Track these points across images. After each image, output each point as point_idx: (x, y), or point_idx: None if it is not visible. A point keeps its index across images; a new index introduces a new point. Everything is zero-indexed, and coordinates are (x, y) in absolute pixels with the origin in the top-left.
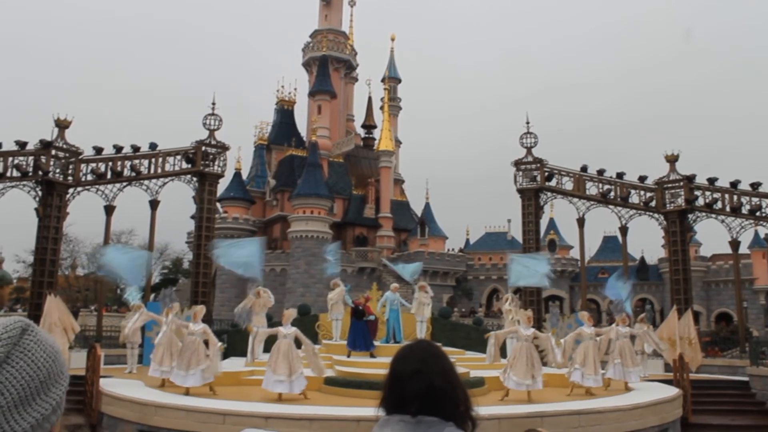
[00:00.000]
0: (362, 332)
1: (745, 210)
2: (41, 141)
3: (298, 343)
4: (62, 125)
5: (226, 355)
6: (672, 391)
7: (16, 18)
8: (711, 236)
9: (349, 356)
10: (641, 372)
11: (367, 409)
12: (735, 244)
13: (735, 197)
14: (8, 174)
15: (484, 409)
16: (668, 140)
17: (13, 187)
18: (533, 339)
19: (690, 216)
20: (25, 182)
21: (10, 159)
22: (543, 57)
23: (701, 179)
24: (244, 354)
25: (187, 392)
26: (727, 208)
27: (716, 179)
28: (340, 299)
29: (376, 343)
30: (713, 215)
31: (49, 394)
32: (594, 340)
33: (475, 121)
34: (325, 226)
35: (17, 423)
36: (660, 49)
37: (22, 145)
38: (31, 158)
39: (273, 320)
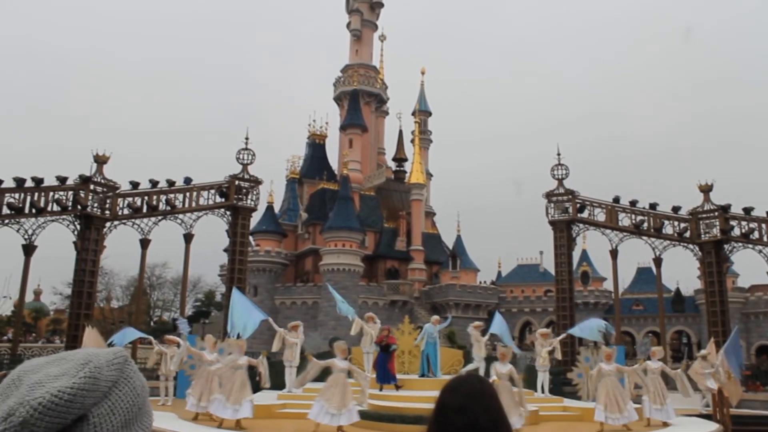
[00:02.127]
0: (383, 364)
1: None
2: (81, 176)
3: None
4: (101, 161)
5: (257, 388)
6: (712, 426)
7: (59, 66)
8: (749, 267)
9: (381, 390)
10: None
11: None
12: None
13: None
14: (49, 208)
15: None
16: (703, 168)
17: (53, 221)
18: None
19: (726, 246)
20: (64, 216)
21: (51, 194)
22: (577, 83)
23: (737, 209)
24: (276, 387)
25: (220, 425)
26: (765, 238)
27: (752, 209)
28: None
29: (408, 376)
30: (750, 245)
31: (143, 423)
32: (611, 377)
33: (508, 145)
34: (356, 259)
35: None
36: (696, 74)
37: (62, 180)
38: (70, 193)
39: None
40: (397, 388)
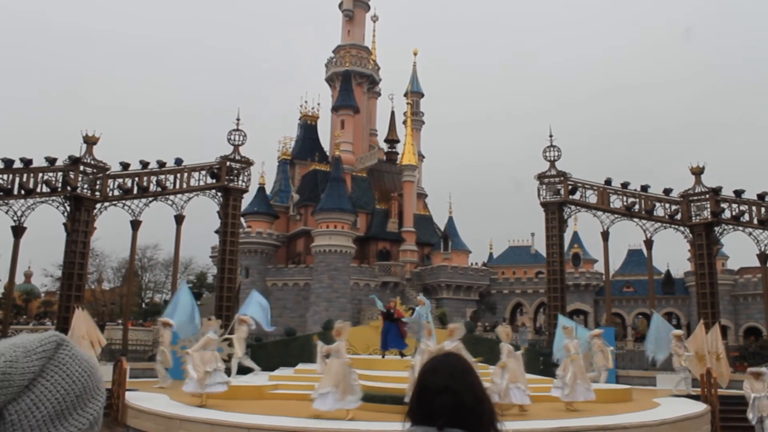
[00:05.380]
0: (394, 332)
1: None
2: (70, 157)
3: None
4: (90, 141)
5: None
6: (700, 407)
7: (47, 40)
8: (738, 249)
9: (383, 357)
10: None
11: (392, 424)
12: (763, 256)
13: (763, 209)
14: (38, 189)
15: (508, 423)
16: (695, 150)
17: (42, 202)
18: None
19: (716, 229)
20: (54, 198)
21: (40, 175)
22: (571, 66)
23: (727, 191)
24: (265, 369)
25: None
26: (755, 221)
27: (743, 191)
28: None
29: (408, 357)
30: (740, 228)
31: (86, 409)
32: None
33: (501, 127)
34: (348, 240)
35: None
36: (691, 59)
37: (51, 161)
38: (60, 174)
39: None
40: (402, 355)
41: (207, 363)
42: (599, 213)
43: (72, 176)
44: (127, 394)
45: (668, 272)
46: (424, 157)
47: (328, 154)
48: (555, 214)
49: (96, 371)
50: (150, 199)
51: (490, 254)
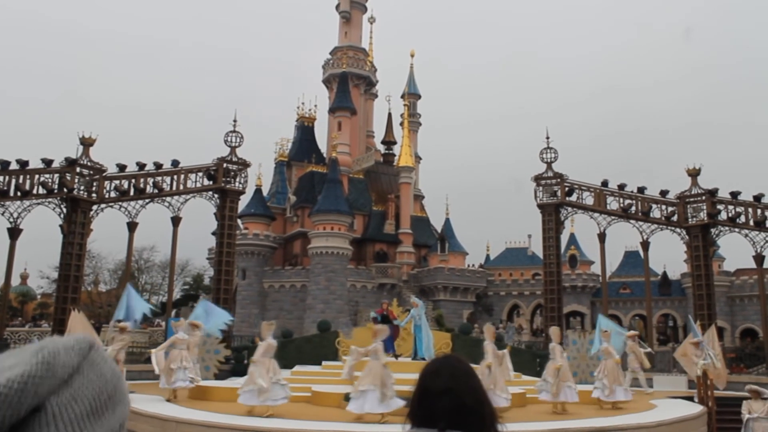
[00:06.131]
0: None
1: None
2: (66, 159)
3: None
4: (87, 143)
5: (243, 372)
6: (696, 408)
7: (45, 40)
8: (735, 251)
9: None
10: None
11: (390, 426)
12: (759, 258)
13: (759, 211)
14: (34, 191)
15: (509, 425)
16: (695, 149)
17: (38, 204)
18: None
19: (713, 230)
20: (50, 199)
21: (36, 176)
22: (569, 67)
23: (724, 193)
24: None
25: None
26: (751, 222)
27: (739, 193)
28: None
29: (405, 359)
30: (736, 229)
31: (116, 412)
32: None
33: (498, 129)
34: (345, 242)
35: None
36: (691, 59)
37: (48, 162)
38: (56, 176)
39: (293, 336)
40: (396, 357)
41: (173, 361)
42: (596, 214)
43: (68, 178)
44: None
45: (665, 274)
46: (421, 158)
47: (325, 155)
48: (552, 215)
49: (123, 378)
50: (147, 200)
51: (487, 256)
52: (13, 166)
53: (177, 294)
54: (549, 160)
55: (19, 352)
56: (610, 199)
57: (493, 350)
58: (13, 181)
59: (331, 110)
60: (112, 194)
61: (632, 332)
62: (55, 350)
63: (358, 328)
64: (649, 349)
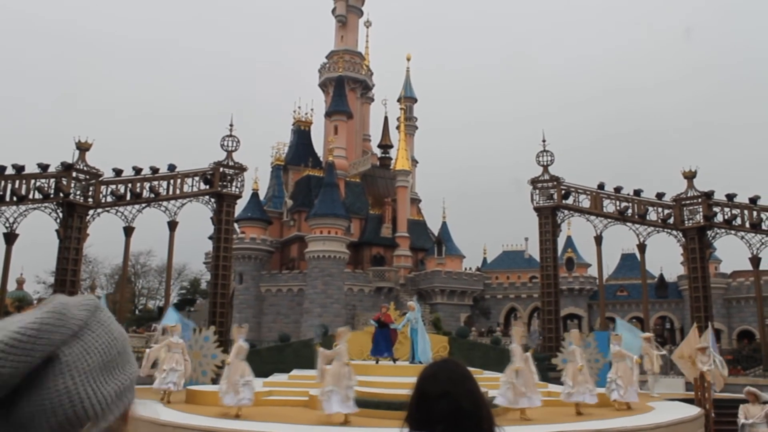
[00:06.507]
0: (385, 338)
1: (765, 226)
2: (63, 163)
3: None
4: (83, 147)
5: None
6: (693, 410)
7: (42, 43)
8: (731, 253)
9: (378, 362)
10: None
11: (387, 429)
12: (756, 260)
13: (755, 213)
14: (30, 196)
15: (508, 428)
16: (695, 149)
17: (34, 209)
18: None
19: (709, 233)
20: (46, 204)
21: (33, 181)
22: (564, 70)
23: (720, 195)
24: (259, 375)
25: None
26: (747, 224)
27: (735, 195)
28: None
29: (403, 362)
30: (733, 231)
31: (125, 369)
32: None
33: (494, 132)
34: (342, 245)
35: (103, 386)
36: (692, 59)
37: (44, 167)
38: (52, 180)
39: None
40: (394, 360)
41: (167, 362)
42: (592, 217)
43: (64, 182)
44: None
45: (661, 276)
46: (417, 162)
47: (321, 159)
48: (548, 218)
49: (126, 338)
50: (143, 205)
51: (484, 259)
52: (9, 170)
53: (174, 298)
54: (545, 163)
55: (29, 313)
56: (606, 201)
57: (520, 353)
58: (9, 186)
59: (328, 114)
60: (109, 199)
61: (647, 334)
62: (65, 302)
63: (353, 332)
64: (663, 352)
